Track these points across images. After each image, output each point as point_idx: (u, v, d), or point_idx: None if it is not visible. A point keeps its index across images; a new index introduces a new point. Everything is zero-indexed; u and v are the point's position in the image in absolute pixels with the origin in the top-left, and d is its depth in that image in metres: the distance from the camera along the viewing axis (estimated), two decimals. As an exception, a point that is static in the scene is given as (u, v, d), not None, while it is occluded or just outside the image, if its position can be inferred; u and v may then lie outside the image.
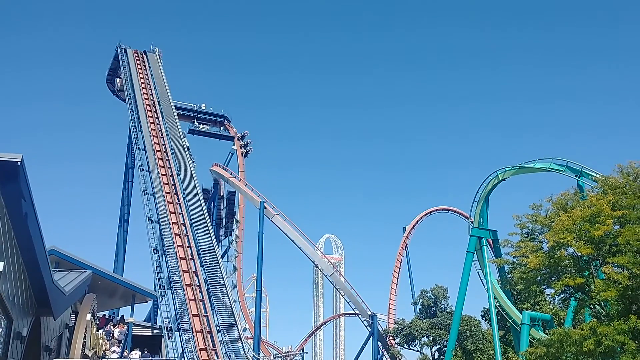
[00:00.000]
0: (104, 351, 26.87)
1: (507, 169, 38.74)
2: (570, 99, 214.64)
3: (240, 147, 63.37)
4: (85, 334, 20.38)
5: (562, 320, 38.42)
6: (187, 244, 42.22)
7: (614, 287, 19.92)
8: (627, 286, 19.81)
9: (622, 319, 19.54)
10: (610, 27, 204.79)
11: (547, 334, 28.19)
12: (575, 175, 33.54)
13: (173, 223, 43.32)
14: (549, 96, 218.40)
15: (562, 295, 24.98)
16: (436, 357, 52.34)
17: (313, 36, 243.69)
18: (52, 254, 26.67)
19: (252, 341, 43.95)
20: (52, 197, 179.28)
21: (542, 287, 24.87)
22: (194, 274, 40.08)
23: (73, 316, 22.33)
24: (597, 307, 22.74)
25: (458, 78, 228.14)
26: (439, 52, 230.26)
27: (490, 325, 40.64)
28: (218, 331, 37.59)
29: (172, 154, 50.33)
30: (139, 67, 59.64)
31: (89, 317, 20.66)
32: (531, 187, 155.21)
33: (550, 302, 44.57)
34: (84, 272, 22.78)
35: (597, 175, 29.32)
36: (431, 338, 51.31)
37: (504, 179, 39.08)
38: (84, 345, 20.19)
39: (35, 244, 13.82)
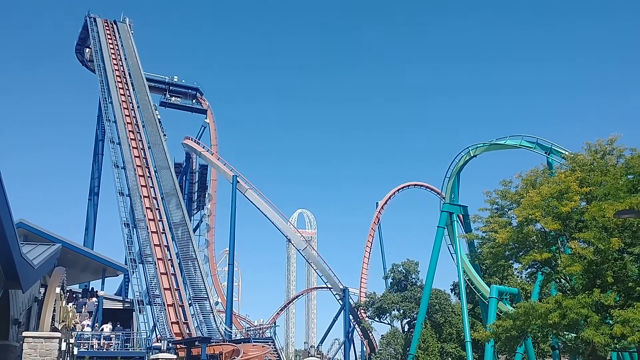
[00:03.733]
0: (74, 324, 26.72)
1: (478, 145, 39.03)
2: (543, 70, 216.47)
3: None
4: (54, 307, 20.24)
5: (529, 294, 39.25)
6: (158, 218, 41.98)
7: (580, 261, 20.34)
8: (592, 261, 20.25)
9: (587, 292, 19.98)
10: None
11: (514, 307, 28.78)
12: (545, 153, 33.99)
13: (144, 197, 42.97)
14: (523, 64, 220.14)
15: (529, 270, 25.40)
16: (406, 329, 53.19)
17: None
18: (20, 226, 26.31)
19: (224, 314, 44.07)
20: (20, 169, 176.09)
21: (510, 261, 25.27)
22: (166, 248, 39.96)
23: (42, 289, 22.13)
24: (562, 281, 23.19)
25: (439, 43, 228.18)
26: (415, 11, 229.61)
27: (460, 298, 41.32)
28: (190, 305, 37.65)
29: (143, 126, 49.69)
30: (109, 37, 58.35)
31: (58, 290, 20.49)
32: (502, 164, 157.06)
33: (517, 277, 45.43)
34: (53, 245, 22.59)
35: (566, 153, 29.77)
36: (402, 311, 52.08)
37: (475, 155, 39.38)
38: (53, 319, 20.06)
39: (2, 216, 13.59)
